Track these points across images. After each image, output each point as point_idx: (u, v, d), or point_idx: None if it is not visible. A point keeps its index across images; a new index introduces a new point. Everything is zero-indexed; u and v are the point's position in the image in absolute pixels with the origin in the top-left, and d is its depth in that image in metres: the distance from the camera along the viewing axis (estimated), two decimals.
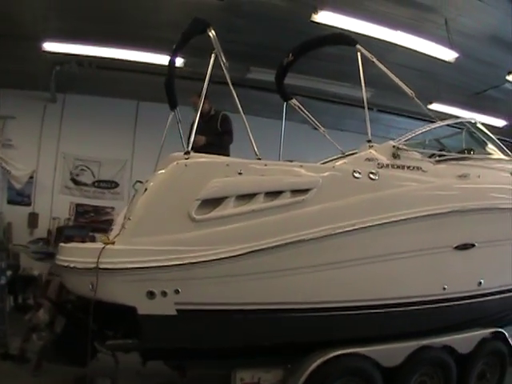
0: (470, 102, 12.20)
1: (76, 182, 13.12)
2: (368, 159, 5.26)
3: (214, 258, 4.22)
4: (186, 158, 4.49)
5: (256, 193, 4.51)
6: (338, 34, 7.42)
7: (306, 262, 4.57)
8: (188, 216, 4.26)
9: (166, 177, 4.46)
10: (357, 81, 11.54)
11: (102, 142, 13.01)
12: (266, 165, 4.80)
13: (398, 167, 5.39)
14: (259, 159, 4.96)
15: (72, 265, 4.36)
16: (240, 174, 4.53)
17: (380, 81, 11.36)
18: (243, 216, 4.41)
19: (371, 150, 5.38)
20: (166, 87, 6.57)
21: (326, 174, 4.92)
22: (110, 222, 13.01)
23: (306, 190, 4.70)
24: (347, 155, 7.17)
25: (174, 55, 6.15)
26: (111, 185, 13.49)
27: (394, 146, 5.46)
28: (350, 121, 13.55)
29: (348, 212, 4.83)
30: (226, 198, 4.40)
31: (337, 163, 5.29)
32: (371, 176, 5.09)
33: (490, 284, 5.69)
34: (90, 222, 12.73)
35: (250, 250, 4.32)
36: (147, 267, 4.08)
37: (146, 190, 4.79)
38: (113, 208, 13.33)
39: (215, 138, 6.71)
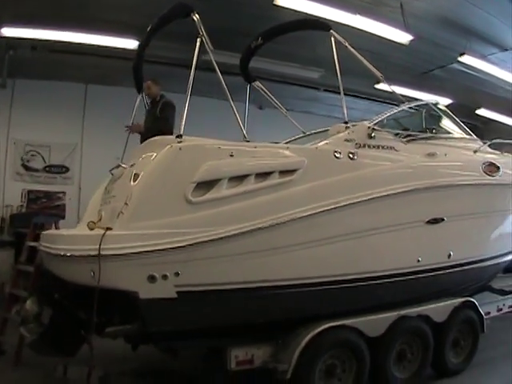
0: (415, 81, 12.61)
1: (27, 168, 12.70)
2: (347, 140, 5.45)
3: (211, 238, 4.30)
4: (179, 142, 4.52)
5: (247, 174, 4.62)
6: (312, 19, 7.55)
7: (298, 240, 4.74)
8: (184, 199, 4.31)
9: (161, 160, 4.46)
10: (304, 61, 11.81)
11: (52, 127, 12.65)
12: (255, 147, 4.90)
13: (374, 147, 5.61)
14: (247, 141, 5.04)
15: (69, 253, 4.29)
16: (232, 156, 4.61)
17: (328, 61, 11.68)
18: (236, 197, 4.51)
19: (349, 131, 5.55)
20: (134, 70, 6.48)
21: (310, 154, 5.06)
22: (61, 208, 12.89)
23: (293, 171, 4.85)
24: (309, 135, 7.43)
25: (146, 38, 6.02)
26: (62, 169, 13.15)
27: (369, 127, 5.65)
28: (294, 100, 13.72)
29: (331, 191, 5.01)
30: (220, 180, 4.47)
31: (319, 144, 5.41)
32: (350, 156, 5.29)
33: (459, 256, 6.03)
34: (43, 208, 12.36)
35: (245, 229, 4.43)
36: (148, 251, 4.10)
37: (135, 174, 4.78)
38: (64, 193, 13.10)
39: (154, 124, 6.69)
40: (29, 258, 6.96)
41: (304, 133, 7.70)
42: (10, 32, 9.59)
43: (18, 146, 12.68)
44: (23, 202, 12.44)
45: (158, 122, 6.63)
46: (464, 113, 6.81)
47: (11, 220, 11.73)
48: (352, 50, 6.06)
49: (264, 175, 4.69)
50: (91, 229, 5.00)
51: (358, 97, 14.42)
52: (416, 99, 7.84)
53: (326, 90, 14.65)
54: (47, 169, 13.02)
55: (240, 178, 4.58)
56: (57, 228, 7.08)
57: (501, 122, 16.35)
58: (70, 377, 5.94)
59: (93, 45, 10.33)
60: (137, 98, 6.59)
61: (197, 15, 5.12)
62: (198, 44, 5.06)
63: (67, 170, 13.24)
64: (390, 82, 12.20)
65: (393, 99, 14.40)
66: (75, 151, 13.27)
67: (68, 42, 10.05)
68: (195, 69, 4.97)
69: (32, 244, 6.89)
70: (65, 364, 5.95)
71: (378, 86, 13.12)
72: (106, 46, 10.48)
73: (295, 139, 7.56)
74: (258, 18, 9.05)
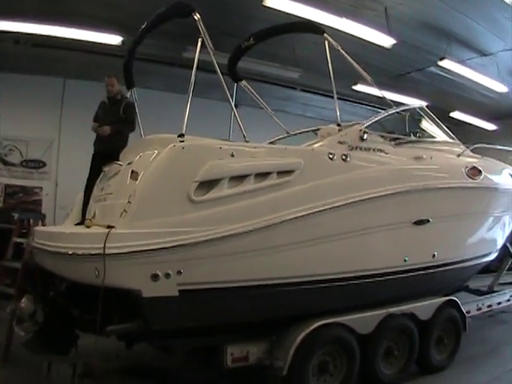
0: (391, 83, 12.82)
1: (5, 163, 12.55)
2: (340, 142, 5.58)
3: (213, 237, 4.36)
4: (181, 141, 4.57)
5: (247, 174, 4.69)
6: (306, 22, 7.64)
7: (295, 239, 4.85)
8: (187, 197, 4.36)
9: (164, 159, 4.49)
10: (283, 62, 11.89)
11: (30, 121, 12.47)
12: (255, 147, 4.99)
13: (365, 149, 5.75)
14: (247, 142, 5.11)
15: (71, 251, 4.29)
16: (232, 156, 4.68)
17: (307, 62, 11.84)
18: (237, 197, 4.59)
19: (342, 134, 5.67)
20: (125, 67, 6.54)
21: (306, 156, 5.17)
22: (38, 203, 12.75)
23: (290, 171, 4.95)
24: (293, 134, 7.55)
25: (140, 35, 6.06)
26: (39, 164, 13.02)
27: (360, 130, 5.78)
28: (270, 99, 13.85)
29: (325, 192, 5.12)
30: (221, 179, 4.54)
31: (314, 146, 5.52)
32: (343, 158, 5.42)
33: (443, 256, 6.23)
34: (19, 203, 12.27)
35: (246, 229, 4.51)
36: (152, 250, 4.14)
37: (133, 172, 4.82)
38: (41, 188, 13.01)
39: (117, 124, 6.50)
40: (15, 255, 6.92)
41: (288, 132, 7.80)
42: None
43: None
44: (0, 196, 12.28)
45: (124, 124, 6.50)
46: (438, 115, 7.04)
47: None
48: (344, 53, 6.16)
49: (263, 175, 4.78)
50: (88, 226, 5.05)
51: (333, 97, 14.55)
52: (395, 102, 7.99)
53: (302, 90, 14.87)
54: (24, 163, 12.89)
55: (240, 178, 4.66)
56: (43, 225, 7.01)
57: (474, 125, 16.81)
58: (56, 374, 5.98)
59: (73, 39, 10.25)
60: (126, 94, 6.67)
61: (198, 15, 5.14)
62: (199, 44, 5.09)
63: (44, 165, 13.12)
64: (364, 82, 12.55)
65: (370, 101, 14.82)
66: (52, 146, 13.15)
67: (50, 36, 9.98)
68: (196, 69, 5.00)
69: (19, 240, 6.84)
70: (49, 361, 5.98)
71: (355, 88, 13.40)
72: (87, 41, 10.39)
73: (279, 139, 7.67)
74: (246, 18, 9.16)
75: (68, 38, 10.16)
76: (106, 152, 6.22)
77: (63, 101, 13.23)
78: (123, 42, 10.29)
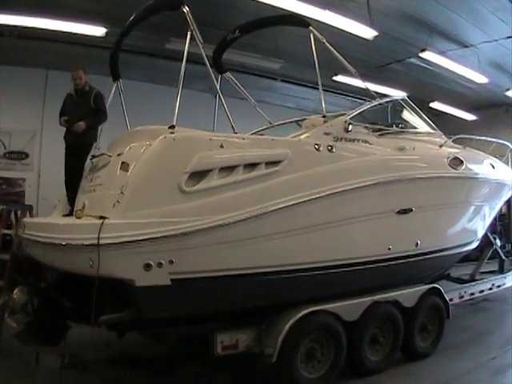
0: (370, 74, 12.88)
1: None
2: (326, 133, 5.67)
3: (204, 227, 4.44)
4: (172, 133, 4.62)
5: (236, 165, 4.78)
6: (292, 15, 7.69)
7: (282, 228, 4.94)
8: (178, 188, 4.43)
9: (155, 150, 4.54)
10: (265, 52, 11.92)
11: (13, 113, 12.28)
12: (244, 138, 5.08)
13: (350, 140, 5.86)
14: (236, 133, 5.19)
15: (64, 242, 4.32)
16: (222, 147, 4.76)
17: (288, 53, 11.89)
18: (227, 187, 4.68)
19: (327, 125, 5.77)
20: (111, 59, 6.54)
21: (293, 147, 5.26)
22: (21, 194, 12.69)
23: (277, 162, 5.04)
24: (276, 125, 7.63)
25: (128, 28, 6.06)
26: (22, 156, 12.95)
27: (345, 121, 5.87)
28: (250, 90, 13.89)
29: (312, 182, 5.22)
30: (211, 170, 4.62)
31: (301, 137, 5.61)
32: (329, 148, 5.52)
33: (425, 245, 6.39)
34: (3, 195, 12.23)
35: (235, 218, 4.60)
36: (144, 239, 4.20)
37: (123, 163, 4.87)
38: (24, 179, 12.96)
39: (89, 117, 6.45)
40: (3, 246, 6.92)
41: (270, 123, 7.87)
42: None
43: None
44: None
45: (98, 116, 6.51)
46: (418, 105, 7.20)
47: None
48: (329, 46, 6.25)
49: (252, 166, 4.87)
50: (78, 217, 5.07)
51: (314, 88, 14.65)
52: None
53: (282, 81, 14.94)
54: (7, 155, 12.80)
55: (230, 169, 4.74)
56: (31, 216, 7.01)
57: (453, 115, 17.05)
58: (45, 365, 6.04)
59: (57, 31, 10.15)
60: (112, 87, 6.66)
61: (187, 8, 5.16)
62: (188, 37, 5.10)
63: (27, 156, 13.04)
64: (344, 73, 12.68)
65: (350, 91, 14.94)
66: (35, 138, 13.07)
67: (34, 27, 9.89)
68: (186, 61, 5.01)
69: (8, 232, 6.84)
70: (38, 352, 6.02)
71: (335, 78, 13.50)
72: (70, 32, 10.30)
73: (261, 130, 7.73)
74: (231, 10, 9.19)
75: (52, 30, 10.07)
76: (79, 145, 6.28)
77: (46, 92, 13.12)
78: (107, 33, 10.25)
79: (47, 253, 4.79)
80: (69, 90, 6.77)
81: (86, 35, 10.38)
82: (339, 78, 13.54)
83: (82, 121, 6.33)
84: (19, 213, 6.91)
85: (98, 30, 10.26)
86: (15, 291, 5.54)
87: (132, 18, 5.90)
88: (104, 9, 9.85)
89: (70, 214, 5.87)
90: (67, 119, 6.40)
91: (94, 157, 6.07)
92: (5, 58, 11.79)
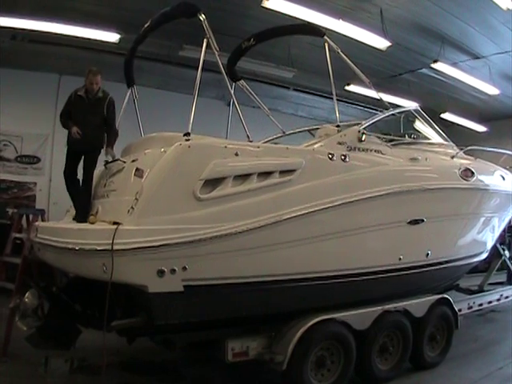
0: (383, 84, 12.98)
1: None
2: (339, 143, 5.69)
3: (217, 234, 4.46)
4: (187, 140, 4.65)
5: (251, 173, 4.79)
6: (307, 24, 7.73)
7: (295, 236, 4.95)
8: (193, 195, 4.45)
9: (170, 157, 4.56)
10: (278, 61, 11.99)
11: (25, 117, 12.51)
12: (258, 147, 5.10)
13: (363, 150, 5.87)
14: (250, 141, 5.22)
15: (77, 247, 4.35)
16: (236, 155, 4.78)
17: (301, 62, 11.94)
18: (241, 195, 4.69)
19: (341, 134, 5.79)
20: (125, 65, 6.61)
21: (307, 156, 5.28)
22: (32, 198, 12.78)
23: (292, 171, 5.05)
24: (288, 134, 7.67)
25: (143, 34, 6.15)
26: (33, 160, 13.03)
27: (359, 131, 5.88)
28: (263, 98, 13.93)
29: (325, 191, 5.24)
30: (226, 178, 4.64)
31: (315, 145, 5.63)
32: (343, 158, 5.53)
33: (436, 255, 6.39)
34: (14, 198, 12.32)
35: (249, 226, 4.61)
36: (158, 246, 4.22)
37: (138, 169, 4.90)
38: (35, 183, 13.02)
39: (100, 125, 6.22)
40: (14, 250, 6.97)
41: (283, 132, 7.92)
42: None
43: None
44: None
45: (108, 124, 6.28)
46: (429, 116, 7.24)
47: None
48: (343, 55, 6.25)
49: (266, 174, 4.89)
50: (92, 222, 5.12)
51: (326, 97, 14.72)
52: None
53: (295, 90, 15.00)
54: (19, 159, 12.87)
55: (244, 177, 4.76)
56: (43, 220, 7.06)
57: (464, 126, 17.03)
58: (55, 369, 6.06)
59: (70, 36, 10.25)
60: (125, 93, 6.73)
61: (203, 15, 5.19)
62: (204, 45, 5.13)
63: (38, 160, 13.12)
64: (356, 83, 12.74)
65: (361, 101, 14.98)
66: (47, 142, 13.12)
67: (47, 32, 9.98)
68: (202, 69, 5.03)
69: (19, 236, 6.89)
70: (46, 356, 6.05)
71: (348, 88, 13.54)
72: (83, 38, 10.42)
73: (274, 138, 7.78)
74: (245, 18, 9.25)
75: (65, 35, 10.17)
76: (87, 152, 6.10)
77: (58, 97, 13.11)
78: (120, 39, 10.36)
79: (60, 257, 4.82)
80: (77, 88, 6.37)
81: (100, 41, 10.49)
82: (351, 88, 13.59)
83: (105, 142, 6.19)
84: (31, 217, 6.93)
85: (112, 36, 10.37)
86: (27, 295, 5.56)
87: (147, 24, 5.98)
88: (118, 15, 9.96)
89: (78, 219, 5.88)
90: (79, 131, 6.02)
91: (107, 162, 6.09)
92: (17, 62, 11.94)
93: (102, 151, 6.15)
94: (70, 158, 6.27)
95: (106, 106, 6.25)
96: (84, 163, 6.14)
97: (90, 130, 6.07)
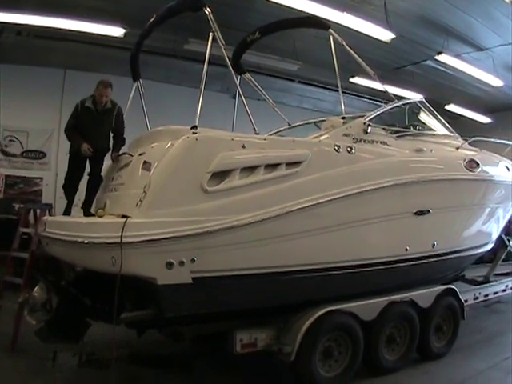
0: (387, 76, 12.94)
1: (5, 153, 12.61)
2: (345, 134, 5.72)
3: (225, 226, 4.50)
4: (194, 133, 4.67)
5: (258, 165, 4.83)
6: (312, 17, 7.74)
7: (302, 228, 4.99)
8: (201, 188, 4.49)
9: (178, 150, 4.59)
10: (283, 54, 11.99)
11: (30, 112, 12.54)
12: (265, 139, 5.13)
13: (369, 142, 5.90)
14: (257, 134, 5.25)
15: (87, 240, 4.39)
16: (243, 147, 4.81)
17: (306, 54, 11.93)
18: (248, 187, 4.73)
19: (347, 126, 5.82)
20: (131, 59, 6.63)
21: (314, 148, 5.30)
22: (38, 193, 12.84)
23: (298, 163, 5.08)
24: (294, 126, 7.69)
25: (149, 28, 6.16)
26: (39, 155, 13.10)
27: (364, 123, 5.92)
28: (267, 91, 13.94)
29: (331, 183, 5.27)
30: (233, 170, 4.68)
31: (321, 138, 5.65)
32: (348, 150, 5.56)
33: (442, 246, 6.41)
34: (20, 194, 12.38)
35: (256, 218, 4.65)
36: (167, 238, 4.26)
37: (146, 162, 4.94)
38: (41, 178, 13.09)
39: (108, 136, 6.30)
40: (21, 245, 7.02)
41: (289, 124, 7.93)
42: None
43: None
44: (1, 187, 12.37)
45: (116, 134, 6.35)
46: (433, 107, 7.25)
47: None
48: (348, 48, 6.27)
49: (273, 166, 4.92)
50: (100, 216, 5.16)
51: (331, 89, 14.71)
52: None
53: (300, 82, 15.00)
54: (25, 154, 12.94)
55: (251, 169, 4.79)
56: (51, 215, 7.10)
57: (469, 118, 17.02)
58: (63, 363, 6.12)
59: (74, 31, 10.25)
60: (131, 87, 6.75)
61: (208, 9, 5.21)
62: (210, 38, 5.15)
63: (44, 155, 13.18)
64: (361, 75, 12.74)
65: (366, 93, 14.97)
66: (52, 137, 13.15)
67: (52, 27, 9.99)
68: (208, 63, 5.05)
69: (26, 231, 6.93)
70: (54, 350, 6.10)
71: (352, 80, 13.53)
72: (89, 33, 10.41)
73: (281, 130, 7.79)
74: (247, 11, 9.24)
75: (70, 30, 10.18)
76: (93, 158, 6.15)
77: (63, 92, 13.25)
78: (125, 34, 10.36)
79: (69, 251, 4.87)
80: (83, 98, 6.27)
81: (105, 35, 10.49)
82: (356, 80, 13.57)
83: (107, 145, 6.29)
84: (38, 211, 6.97)
85: (117, 31, 10.37)
86: (35, 289, 5.61)
87: (153, 18, 5.99)
88: (123, 10, 9.97)
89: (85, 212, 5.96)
90: (90, 148, 5.99)
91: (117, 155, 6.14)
92: (22, 57, 11.96)
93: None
94: (73, 166, 6.31)
95: (115, 116, 6.26)
96: (90, 164, 6.22)
97: (98, 140, 6.14)
